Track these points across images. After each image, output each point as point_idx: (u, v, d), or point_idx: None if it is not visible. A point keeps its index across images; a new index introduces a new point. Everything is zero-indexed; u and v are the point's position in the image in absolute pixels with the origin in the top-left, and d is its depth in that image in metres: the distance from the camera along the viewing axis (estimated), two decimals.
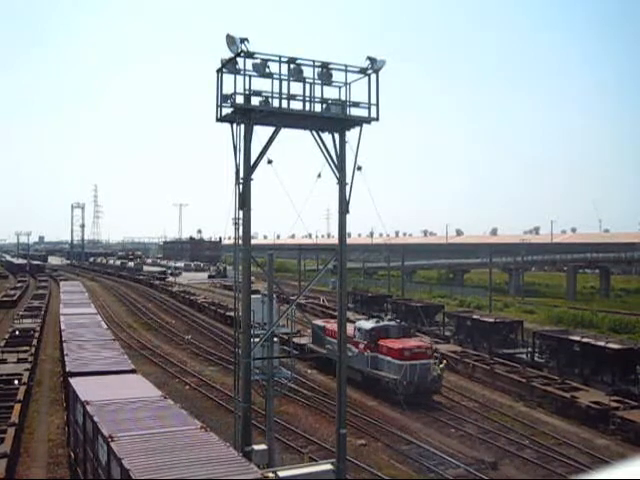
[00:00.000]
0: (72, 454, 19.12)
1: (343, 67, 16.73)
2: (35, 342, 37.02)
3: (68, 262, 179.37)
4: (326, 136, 17.35)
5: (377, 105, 17.01)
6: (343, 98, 17.00)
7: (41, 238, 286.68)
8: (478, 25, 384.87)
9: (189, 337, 47.54)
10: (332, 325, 35.13)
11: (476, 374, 34.54)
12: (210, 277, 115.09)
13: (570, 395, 28.08)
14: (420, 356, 29.94)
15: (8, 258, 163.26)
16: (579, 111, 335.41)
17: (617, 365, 29.86)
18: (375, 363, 31.20)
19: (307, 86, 16.41)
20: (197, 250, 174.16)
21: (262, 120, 16.42)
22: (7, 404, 23.02)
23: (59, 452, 22.19)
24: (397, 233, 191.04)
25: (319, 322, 39.13)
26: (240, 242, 17.05)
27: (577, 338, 33.12)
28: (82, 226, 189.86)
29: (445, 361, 32.96)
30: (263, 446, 17.58)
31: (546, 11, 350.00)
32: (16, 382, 26.13)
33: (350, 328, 32.14)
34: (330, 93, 16.95)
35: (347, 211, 17.75)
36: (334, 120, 17.11)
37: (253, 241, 18.14)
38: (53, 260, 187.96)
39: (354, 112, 17.12)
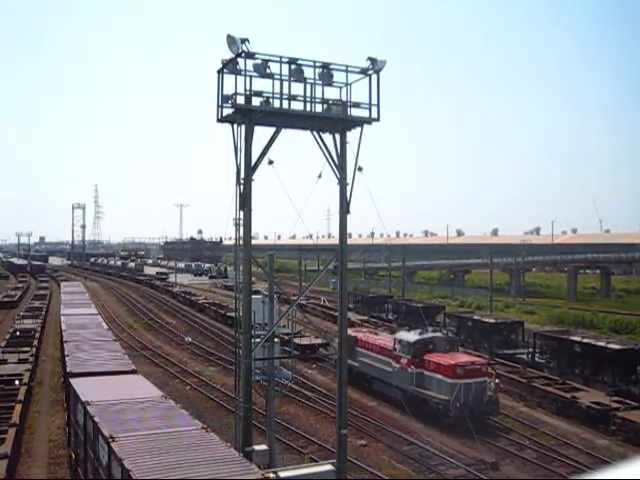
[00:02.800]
0: (73, 454, 19.12)
1: (344, 67, 16.73)
2: (36, 342, 37.06)
3: (69, 262, 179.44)
4: (327, 136, 17.36)
5: (378, 106, 17.03)
6: (344, 98, 17.01)
7: (42, 239, 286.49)
8: (478, 25, 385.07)
9: (189, 339, 47.54)
10: (365, 335, 33.39)
11: None
12: (211, 278, 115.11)
13: (571, 395, 28.09)
14: (475, 373, 26.34)
15: (9, 259, 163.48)
16: (579, 111, 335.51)
17: (618, 365, 29.86)
18: (420, 381, 27.53)
19: (308, 86, 16.42)
20: (198, 250, 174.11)
21: (263, 120, 16.44)
22: (8, 404, 23.04)
23: (60, 452, 22.20)
24: (398, 233, 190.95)
25: (349, 331, 34.35)
26: (241, 242, 17.07)
27: (578, 338, 33.14)
28: (83, 226, 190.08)
29: (497, 380, 28.56)
30: (264, 446, 17.59)
31: (545, 11, 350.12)
32: (17, 382, 26.16)
33: (389, 340, 30.85)
34: (331, 93, 16.99)
35: (348, 211, 17.75)
36: (335, 120, 17.12)
37: (254, 241, 18.15)
38: (54, 260, 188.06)
39: (355, 113, 17.14)
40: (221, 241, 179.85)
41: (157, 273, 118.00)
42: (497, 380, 28.23)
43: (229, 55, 15.65)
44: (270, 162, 16.62)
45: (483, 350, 38.58)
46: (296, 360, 31.28)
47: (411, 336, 29.09)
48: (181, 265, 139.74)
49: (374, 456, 22.73)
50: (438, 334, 30.22)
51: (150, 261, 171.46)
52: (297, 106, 16.43)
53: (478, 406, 25.70)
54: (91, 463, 15.22)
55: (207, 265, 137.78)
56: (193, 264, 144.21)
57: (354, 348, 31.53)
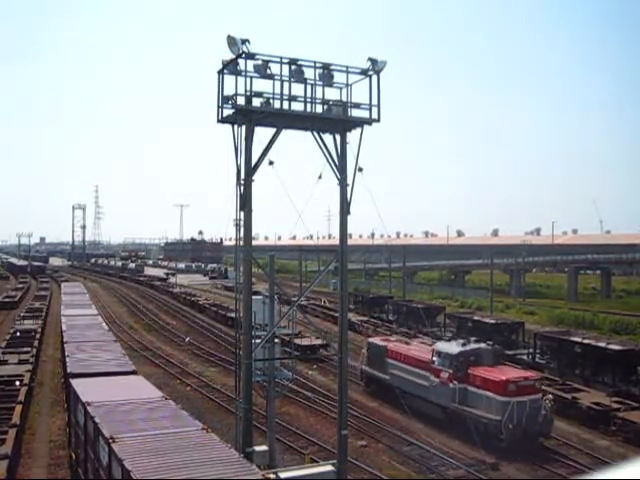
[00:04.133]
0: (73, 455, 19.12)
1: (344, 68, 16.75)
2: (36, 343, 37.05)
3: (69, 263, 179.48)
4: (327, 137, 17.37)
5: (378, 106, 17.04)
6: (344, 99, 17.02)
7: (42, 239, 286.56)
8: (478, 25, 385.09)
9: (189, 339, 47.57)
10: (396, 345, 30.76)
11: None
12: (211, 278, 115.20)
13: (571, 396, 28.07)
14: (528, 390, 23.84)
15: (9, 259, 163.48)
16: (579, 111, 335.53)
17: (618, 366, 29.85)
18: (464, 398, 25.00)
19: (308, 87, 16.44)
20: (198, 251, 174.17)
21: (263, 121, 16.45)
22: (8, 405, 23.04)
23: (60, 453, 22.20)
24: (398, 234, 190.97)
25: (377, 341, 32.93)
26: (241, 243, 17.08)
27: (578, 339, 33.12)
28: (83, 227, 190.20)
29: (550, 396, 25.51)
30: (264, 447, 17.60)
31: (545, 11, 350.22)
32: (17, 383, 26.16)
33: (425, 351, 28.57)
34: (331, 94, 17.00)
35: (348, 212, 17.76)
36: (335, 121, 17.13)
37: (254, 242, 18.16)
38: (54, 261, 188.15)
39: (355, 113, 17.15)
40: (221, 242, 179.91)
41: (165, 274, 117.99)
42: (550, 396, 25.34)
43: (229, 56, 15.67)
44: (270, 163, 16.64)
45: None
46: (296, 361, 31.29)
47: (453, 347, 26.52)
48: (181, 266, 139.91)
49: (374, 457, 22.72)
50: (482, 345, 27.29)
51: (150, 262, 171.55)
52: (297, 107, 16.44)
53: (532, 427, 23.17)
54: (91, 464, 15.22)
55: (211, 265, 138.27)
56: (193, 265, 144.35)
57: (384, 359, 29.99)
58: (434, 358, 26.84)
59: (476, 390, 24.65)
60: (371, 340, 33.58)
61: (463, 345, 26.48)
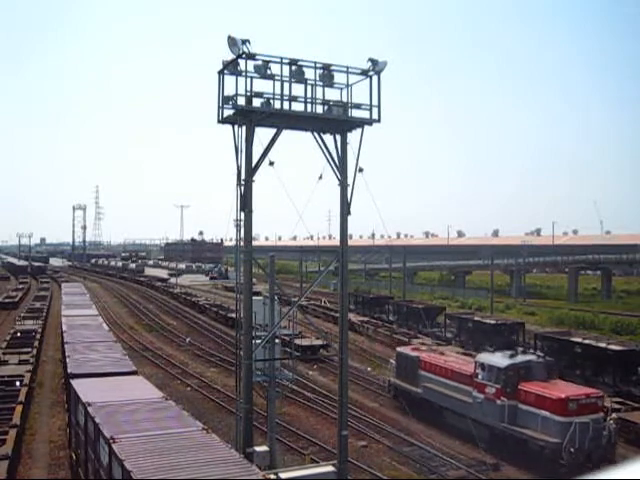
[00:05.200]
0: (73, 455, 19.13)
1: (344, 69, 16.75)
2: (37, 343, 37.06)
3: (69, 264, 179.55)
4: (328, 137, 17.37)
5: (379, 107, 17.03)
6: (345, 100, 17.02)
7: (42, 240, 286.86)
8: (478, 25, 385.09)
9: (189, 340, 47.58)
10: (430, 356, 28.22)
11: None
12: (212, 279, 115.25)
13: None
14: (590, 409, 21.43)
15: (10, 259, 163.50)
16: (580, 112, 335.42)
17: (618, 366, 29.85)
18: (514, 416, 22.48)
19: (309, 87, 16.44)
20: (199, 252, 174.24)
21: (264, 121, 16.44)
22: (9, 405, 23.04)
23: (60, 454, 22.20)
24: (398, 235, 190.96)
25: (408, 351, 30.15)
26: (241, 244, 17.07)
27: (578, 340, 33.12)
28: (83, 227, 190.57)
29: (615, 415, 23.48)
30: (264, 447, 17.59)
31: (546, 11, 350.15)
32: (18, 383, 26.15)
33: (464, 363, 26.46)
34: (332, 94, 17.00)
35: (349, 213, 17.75)
36: (335, 122, 17.13)
37: (254, 243, 18.15)
38: (54, 262, 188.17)
39: (355, 114, 17.14)
40: (222, 242, 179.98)
41: (169, 274, 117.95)
42: (615, 415, 23.25)
43: (230, 56, 15.67)
44: (271, 163, 16.64)
45: (484, 351, 38.52)
46: (297, 361, 31.29)
47: (500, 360, 23.83)
48: (182, 266, 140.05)
49: (375, 457, 22.72)
50: (533, 357, 24.65)
51: (151, 262, 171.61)
52: (298, 107, 16.44)
53: (596, 450, 20.84)
54: (92, 464, 15.22)
55: (208, 265, 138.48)
56: (194, 265, 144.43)
57: (416, 371, 27.77)
58: (477, 371, 24.34)
59: (529, 408, 22.00)
60: (400, 350, 30.86)
61: (511, 357, 23.91)
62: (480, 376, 24.10)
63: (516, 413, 22.52)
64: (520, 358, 23.90)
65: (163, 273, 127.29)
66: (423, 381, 27.24)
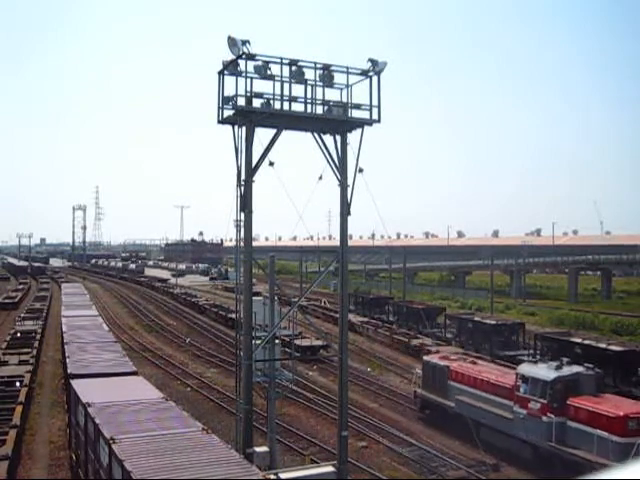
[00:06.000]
0: (73, 456, 19.13)
1: (344, 69, 16.76)
2: (36, 344, 37.04)
3: (69, 264, 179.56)
4: (328, 138, 17.38)
5: (379, 107, 17.05)
6: (345, 100, 17.02)
7: (42, 240, 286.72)
8: (478, 25, 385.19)
9: (189, 340, 47.58)
10: (462, 366, 26.13)
11: None
12: (212, 279, 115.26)
13: None
14: None
15: (9, 260, 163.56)
16: (580, 112, 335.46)
17: (619, 367, 29.81)
18: (563, 435, 20.50)
19: (309, 88, 16.45)
20: (199, 252, 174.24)
21: (264, 122, 16.44)
22: (9, 406, 23.03)
23: (60, 454, 22.19)
24: (398, 235, 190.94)
25: (436, 359, 27.94)
26: (242, 244, 17.07)
27: (578, 340, 33.08)
28: (83, 228, 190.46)
29: None
30: (264, 448, 17.59)
31: (546, 11, 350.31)
32: (18, 384, 26.15)
33: (502, 374, 24.51)
34: (332, 95, 17.01)
35: (349, 213, 17.76)
36: (336, 122, 17.14)
37: (254, 243, 18.16)
38: (54, 262, 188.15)
39: (355, 114, 17.15)
40: (222, 243, 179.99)
41: (172, 275, 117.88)
42: None
43: (230, 56, 15.68)
44: (271, 163, 16.65)
45: (484, 352, 38.56)
46: (297, 361, 31.27)
47: (546, 372, 21.70)
48: (182, 267, 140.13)
49: (375, 457, 22.71)
50: (581, 369, 22.11)
51: (151, 263, 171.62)
52: (298, 108, 16.46)
53: None
54: (92, 464, 15.21)
55: (202, 265, 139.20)
56: (194, 265, 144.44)
57: (446, 382, 25.80)
58: (519, 383, 22.32)
59: (580, 426, 19.97)
60: (428, 359, 28.52)
61: (557, 368, 21.74)
62: (522, 389, 22.03)
63: (565, 431, 20.51)
64: (567, 370, 21.72)
65: (163, 273, 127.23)
66: (455, 393, 25.22)
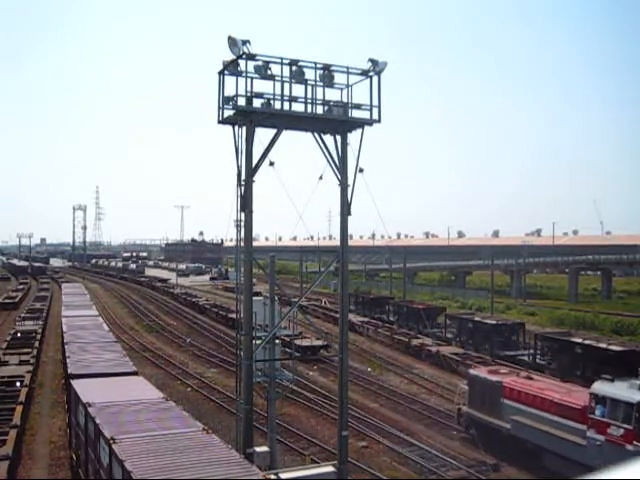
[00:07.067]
0: (74, 456, 19.13)
1: (345, 69, 16.76)
2: (37, 344, 37.06)
3: (70, 264, 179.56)
4: (328, 138, 17.37)
5: (379, 107, 17.05)
6: (345, 100, 17.02)
7: (43, 240, 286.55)
8: (478, 24, 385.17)
9: (189, 340, 47.60)
10: (517, 382, 22.98)
11: None
12: (212, 279, 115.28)
13: None
14: None
15: (10, 260, 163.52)
16: (580, 112, 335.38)
17: (619, 367, 29.77)
18: None
19: (309, 88, 16.45)
20: (199, 252, 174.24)
21: (264, 122, 16.44)
22: (9, 406, 23.04)
23: (61, 454, 22.20)
24: (399, 235, 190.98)
25: (485, 374, 24.75)
26: (242, 244, 17.07)
27: (579, 340, 33.12)
28: (84, 228, 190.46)
29: None
30: (265, 448, 17.60)
31: (546, 11, 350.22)
32: (18, 384, 26.16)
33: (568, 392, 21.50)
34: (332, 95, 17.00)
35: (349, 213, 17.75)
36: (336, 122, 17.13)
37: (255, 243, 18.16)
38: (55, 262, 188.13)
39: (356, 114, 17.15)
40: (222, 243, 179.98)
41: (179, 273, 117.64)
42: None
43: (230, 56, 15.68)
44: (271, 163, 16.65)
45: (484, 351, 38.58)
46: (297, 362, 31.28)
47: (628, 392, 18.51)
48: (182, 267, 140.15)
49: (375, 457, 22.70)
50: None
51: (151, 262, 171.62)
52: (298, 108, 16.46)
53: None
54: (92, 464, 15.22)
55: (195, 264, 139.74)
56: (193, 266, 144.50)
57: (498, 400, 22.83)
58: (594, 405, 19.31)
59: None
60: (475, 372, 25.53)
61: None
62: (599, 412, 19.04)
63: None
64: None
65: (164, 273, 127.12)
66: (509, 413, 22.28)
